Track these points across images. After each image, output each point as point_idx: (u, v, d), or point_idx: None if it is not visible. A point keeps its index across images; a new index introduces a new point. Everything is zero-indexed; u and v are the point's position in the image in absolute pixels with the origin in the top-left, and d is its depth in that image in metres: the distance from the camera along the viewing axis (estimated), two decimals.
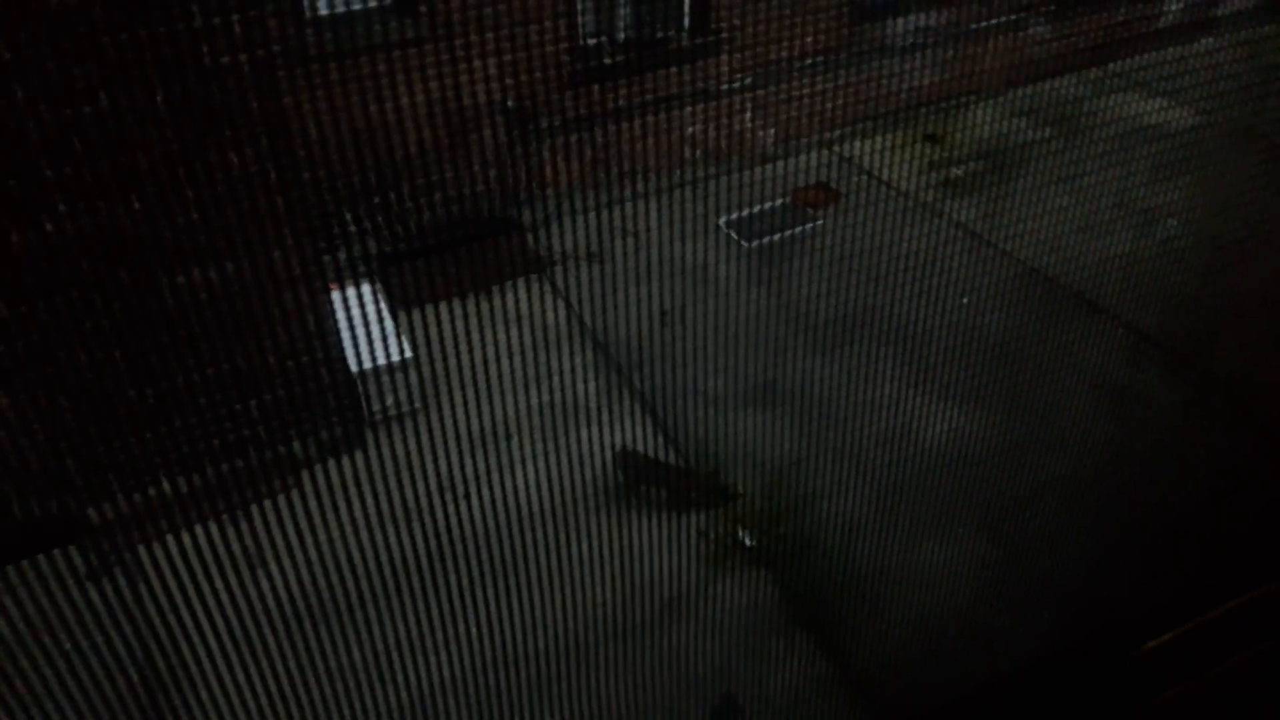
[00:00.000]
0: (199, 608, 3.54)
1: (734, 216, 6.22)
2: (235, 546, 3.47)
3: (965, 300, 5.58)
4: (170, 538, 3.65)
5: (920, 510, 4.30)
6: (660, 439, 4.78)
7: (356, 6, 4.96)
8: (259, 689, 3.62)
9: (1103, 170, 6.77)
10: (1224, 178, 6.41)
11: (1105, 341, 5.29)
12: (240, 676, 3.59)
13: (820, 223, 6.14)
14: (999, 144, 7.11)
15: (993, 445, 4.67)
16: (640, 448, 4.63)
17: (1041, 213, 6.32)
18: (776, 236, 6.13)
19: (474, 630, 3.86)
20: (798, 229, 6.15)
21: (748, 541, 4.26)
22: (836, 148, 7.20)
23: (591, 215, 6.07)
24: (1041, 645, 3.69)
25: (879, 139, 7.22)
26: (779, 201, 6.33)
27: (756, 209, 6.28)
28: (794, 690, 3.77)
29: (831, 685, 3.84)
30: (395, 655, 3.82)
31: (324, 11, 5.00)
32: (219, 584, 3.45)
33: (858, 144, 7.20)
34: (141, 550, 3.87)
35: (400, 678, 3.77)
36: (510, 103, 5.64)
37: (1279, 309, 5.13)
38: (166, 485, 4.05)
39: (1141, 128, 7.16)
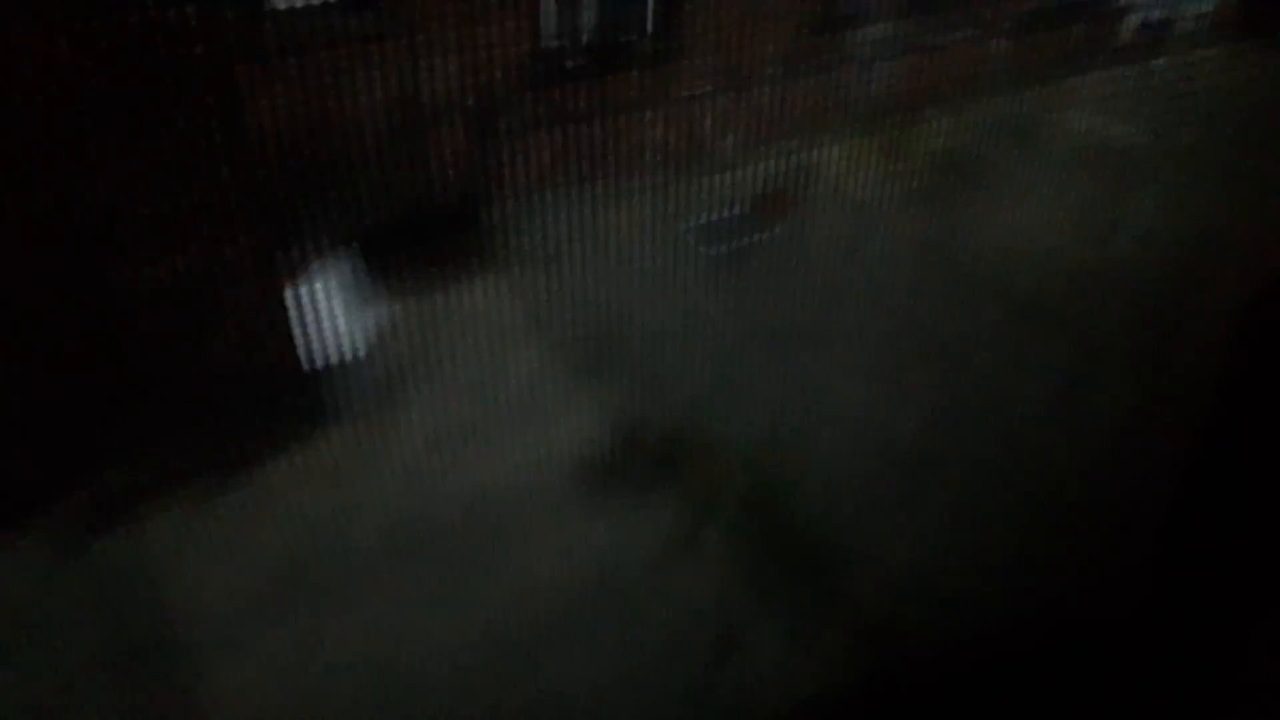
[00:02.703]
0: (158, 601, 3.45)
1: (695, 223, 6.24)
2: (194, 540, 3.40)
3: (922, 308, 5.66)
4: (127, 532, 3.57)
5: (880, 514, 4.34)
6: (621, 441, 4.77)
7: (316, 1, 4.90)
8: (221, 685, 3.55)
9: (1058, 185, 6.91)
10: (1175, 194, 6.58)
11: (1057, 348, 5.38)
12: (202, 673, 3.51)
13: (779, 230, 6.17)
14: (956, 156, 7.21)
15: (949, 453, 4.73)
16: (602, 450, 4.63)
17: (997, 225, 6.44)
18: (737, 244, 6.14)
19: (436, 625, 3.81)
20: (757, 236, 6.17)
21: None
22: (796, 156, 7.25)
23: (552, 217, 6.04)
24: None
25: (838, 149, 7.29)
26: (739, 209, 6.36)
27: (717, 216, 6.30)
28: None
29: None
30: (359, 646, 3.75)
31: (283, 5, 4.94)
32: (179, 578, 3.37)
33: (817, 153, 7.26)
34: (100, 545, 3.77)
35: (364, 668, 3.71)
36: (470, 102, 5.60)
37: (1229, 320, 5.26)
38: (121, 478, 3.96)
39: (1096, 144, 7.31)
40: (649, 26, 6.41)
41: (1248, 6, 5.97)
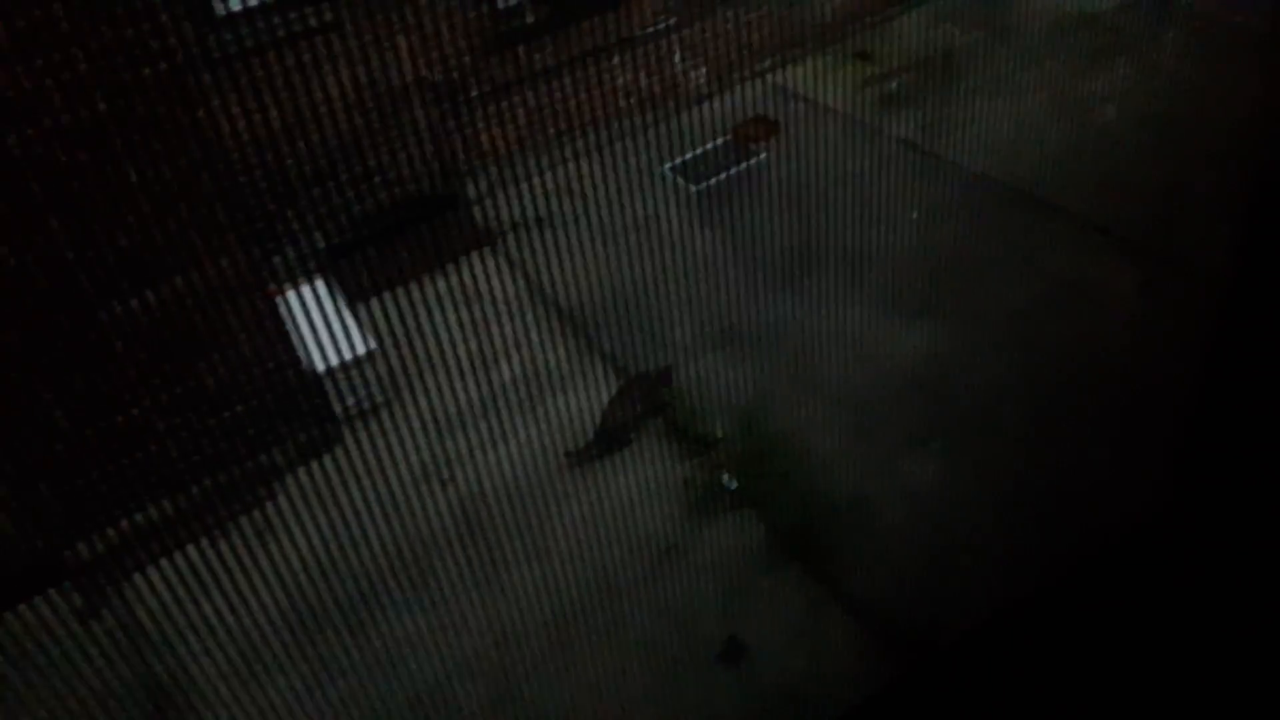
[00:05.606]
0: (198, 627, 3.56)
1: (677, 161, 6.18)
2: (224, 562, 3.48)
3: (915, 215, 5.61)
4: (157, 563, 3.65)
5: (894, 430, 4.37)
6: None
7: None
8: (269, 699, 3.65)
9: (1034, 65, 6.79)
10: (1150, 57, 6.45)
11: (1056, 236, 5.34)
12: (250, 689, 3.61)
13: (764, 156, 6.11)
14: (929, 53, 7.09)
15: (958, 356, 4.73)
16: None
17: (979, 116, 6.34)
18: (722, 176, 6.10)
19: (477, 612, 3.89)
20: (742, 165, 6.12)
21: (731, 484, 4.31)
22: (769, 78, 7.16)
23: (534, 180, 6.02)
24: (1023, 545, 3.78)
25: (809, 64, 7.18)
26: (720, 140, 6.29)
27: (699, 151, 6.24)
28: (794, 623, 3.85)
29: (829, 612, 3.92)
30: (402, 647, 3.85)
31: (235, 7, 4.87)
32: (214, 602, 3.46)
33: (789, 72, 7.15)
34: (133, 579, 3.87)
35: (410, 668, 3.81)
36: (436, 76, 5.54)
37: (1220, 182, 5.20)
38: (144, 513, 4.03)
39: (1065, 16, 7.16)
40: None
41: None
